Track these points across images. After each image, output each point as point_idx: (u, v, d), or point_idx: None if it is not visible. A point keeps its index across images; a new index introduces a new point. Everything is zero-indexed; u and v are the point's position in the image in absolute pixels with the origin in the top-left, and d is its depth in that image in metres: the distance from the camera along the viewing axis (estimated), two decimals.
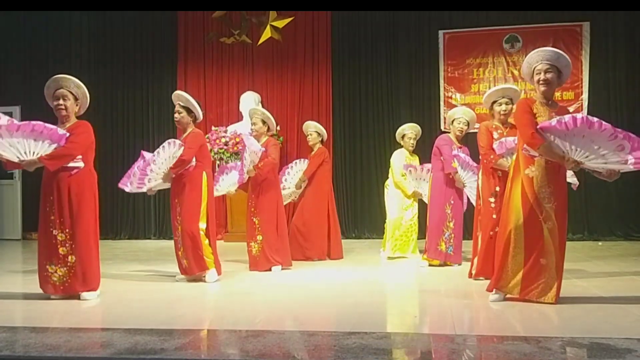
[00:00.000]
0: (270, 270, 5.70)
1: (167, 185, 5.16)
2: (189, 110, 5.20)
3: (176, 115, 5.21)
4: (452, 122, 5.97)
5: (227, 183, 5.91)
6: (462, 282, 4.97)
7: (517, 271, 3.96)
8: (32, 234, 9.27)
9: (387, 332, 3.45)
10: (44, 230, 4.29)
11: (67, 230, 4.25)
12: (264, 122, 5.93)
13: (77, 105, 4.45)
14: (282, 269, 5.76)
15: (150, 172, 4.92)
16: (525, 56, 4.19)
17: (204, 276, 5.10)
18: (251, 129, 6.09)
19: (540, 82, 3.99)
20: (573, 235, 8.36)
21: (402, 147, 6.79)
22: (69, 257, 4.26)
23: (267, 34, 9.01)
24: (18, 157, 4.13)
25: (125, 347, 2.97)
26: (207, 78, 9.39)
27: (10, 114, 9.41)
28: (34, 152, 4.15)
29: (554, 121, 3.72)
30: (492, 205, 4.96)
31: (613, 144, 3.60)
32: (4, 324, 3.55)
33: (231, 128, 8.76)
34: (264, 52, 9.24)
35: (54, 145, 4.18)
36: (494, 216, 4.90)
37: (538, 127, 3.83)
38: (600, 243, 8.02)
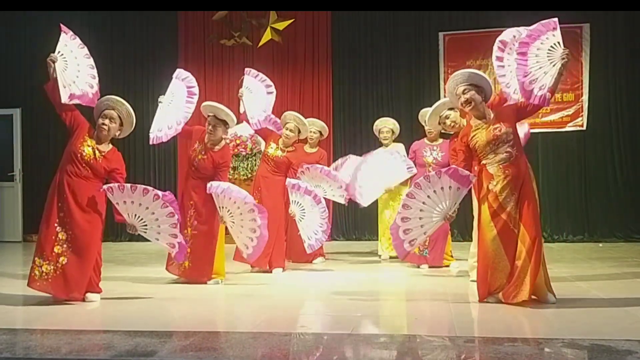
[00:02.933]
0: (271, 272, 5.69)
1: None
2: (224, 123, 5.12)
3: (210, 127, 5.04)
4: (424, 124, 5.89)
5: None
6: (461, 284, 4.97)
7: (503, 279, 4.00)
8: (33, 236, 9.25)
9: (387, 334, 3.45)
10: (47, 224, 4.24)
11: (69, 232, 4.22)
12: (299, 132, 5.96)
13: (119, 129, 4.41)
14: (282, 271, 5.76)
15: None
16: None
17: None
18: (287, 135, 5.90)
19: (463, 104, 4.11)
20: (573, 237, 8.39)
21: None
22: (61, 258, 4.20)
23: (267, 36, 9.01)
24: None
25: (125, 349, 2.97)
26: (207, 80, 9.38)
27: (10, 117, 9.53)
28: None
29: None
30: None
31: None
32: (4, 326, 3.55)
33: (231, 130, 8.74)
34: (264, 54, 9.24)
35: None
36: None
37: None
38: (600, 244, 8.01)
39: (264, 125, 5.72)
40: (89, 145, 4.29)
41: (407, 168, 6.01)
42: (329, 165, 6.87)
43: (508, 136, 3.99)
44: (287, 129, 5.90)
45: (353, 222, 9.08)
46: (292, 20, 8.98)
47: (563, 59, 3.93)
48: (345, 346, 3.00)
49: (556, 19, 4.05)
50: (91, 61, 4.49)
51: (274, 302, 4.46)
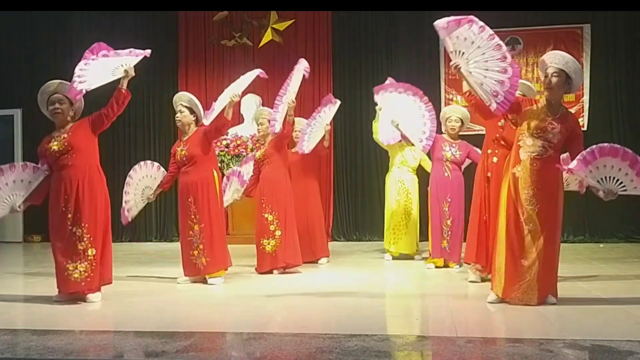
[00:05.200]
0: (271, 272, 5.69)
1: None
2: (191, 110, 5.22)
3: (178, 115, 5.22)
4: (445, 121, 5.98)
5: (230, 191, 5.97)
6: (462, 284, 4.97)
7: (500, 270, 3.99)
8: (33, 237, 9.28)
9: (388, 334, 3.45)
10: (59, 229, 4.28)
11: (83, 224, 4.25)
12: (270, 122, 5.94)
13: (72, 110, 4.45)
14: (284, 271, 5.75)
15: (125, 194, 5.26)
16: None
17: (206, 278, 5.12)
18: (258, 130, 6.08)
19: (545, 84, 4.01)
20: (574, 237, 8.37)
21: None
22: (89, 251, 4.25)
23: (268, 36, 9.03)
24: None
25: (126, 350, 2.97)
26: (208, 80, 9.39)
27: (11, 117, 9.53)
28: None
29: None
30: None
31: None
32: (5, 326, 3.55)
33: (232, 131, 8.76)
34: (264, 54, 9.24)
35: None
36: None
37: None
38: (601, 245, 8.01)
39: None
40: (52, 142, 4.34)
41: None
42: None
43: (554, 137, 3.93)
44: (259, 125, 6.02)
45: (354, 223, 9.08)
46: (292, 21, 9.00)
47: (603, 192, 3.81)
48: (346, 347, 3.00)
49: None
50: None
51: (275, 302, 4.46)
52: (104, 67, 4.43)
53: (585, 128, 8.48)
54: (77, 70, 4.34)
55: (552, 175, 3.96)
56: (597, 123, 8.47)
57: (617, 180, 3.77)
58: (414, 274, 5.74)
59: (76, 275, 4.24)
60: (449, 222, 5.83)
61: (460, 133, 6.01)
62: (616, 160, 3.75)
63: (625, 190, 3.79)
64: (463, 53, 4.00)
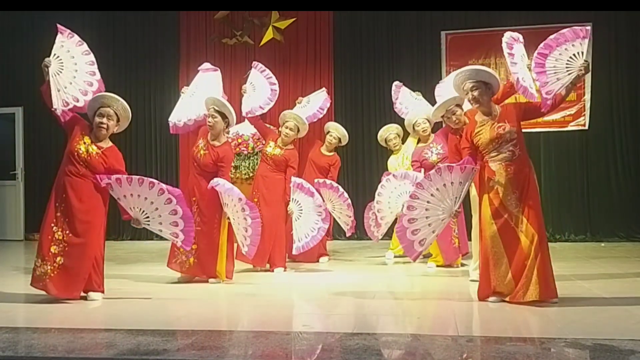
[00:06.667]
0: (272, 271, 5.70)
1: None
2: (223, 116, 5.12)
3: (210, 119, 5.09)
4: (413, 127, 6.00)
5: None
6: (464, 283, 4.97)
7: (505, 278, 3.98)
8: (35, 235, 9.26)
9: (390, 333, 3.45)
10: (45, 224, 4.25)
11: (66, 232, 4.21)
12: (298, 130, 5.91)
13: (116, 126, 4.41)
14: (284, 271, 5.76)
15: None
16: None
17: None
18: (286, 133, 5.88)
19: (471, 101, 4.12)
20: (576, 236, 8.38)
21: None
22: (57, 258, 4.19)
23: (269, 35, 9.03)
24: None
25: (127, 348, 2.97)
26: None
27: (13, 115, 9.55)
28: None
29: None
30: None
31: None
32: (6, 324, 3.55)
33: (233, 129, 8.74)
34: (266, 53, 9.23)
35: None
36: None
37: None
38: (602, 244, 8.00)
39: (252, 118, 5.87)
40: (84, 143, 4.28)
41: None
42: (339, 172, 6.84)
43: (512, 135, 4.00)
44: (286, 128, 5.89)
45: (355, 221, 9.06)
46: (293, 20, 8.99)
47: (580, 70, 3.92)
48: (347, 345, 3.00)
49: (589, 28, 4.01)
50: (91, 57, 4.50)
51: (276, 301, 4.46)
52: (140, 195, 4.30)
53: (586, 127, 8.50)
54: (132, 185, 4.25)
55: (525, 174, 4.03)
56: (598, 122, 8.47)
57: (576, 54, 3.96)
58: (415, 273, 5.73)
59: (38, 273, 4.20)
60: (456, 219, 5.81)
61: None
62: (560, 47, 4.00)
63: (583, 52, 3.97)
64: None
